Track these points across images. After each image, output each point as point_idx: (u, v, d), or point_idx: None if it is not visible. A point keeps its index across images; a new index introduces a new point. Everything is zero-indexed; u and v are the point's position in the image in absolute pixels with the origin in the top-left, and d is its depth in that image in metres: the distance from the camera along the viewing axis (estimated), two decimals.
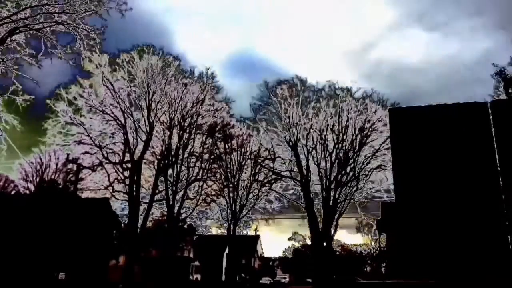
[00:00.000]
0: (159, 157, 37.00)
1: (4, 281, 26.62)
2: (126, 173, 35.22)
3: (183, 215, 39.88)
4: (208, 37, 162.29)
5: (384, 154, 38.49)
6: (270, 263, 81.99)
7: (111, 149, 36.08)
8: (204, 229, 54.26)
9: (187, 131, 37.83)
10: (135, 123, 35.78)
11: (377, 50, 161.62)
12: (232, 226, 42.20)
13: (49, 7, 22.46)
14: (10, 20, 21.56)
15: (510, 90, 23.06)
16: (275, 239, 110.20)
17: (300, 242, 76.56)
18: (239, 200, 42.16)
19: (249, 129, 43.21)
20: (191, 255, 56.33)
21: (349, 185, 39.20)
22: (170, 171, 37.04)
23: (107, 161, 35.13)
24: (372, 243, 71.46)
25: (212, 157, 39.65)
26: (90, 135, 35.01)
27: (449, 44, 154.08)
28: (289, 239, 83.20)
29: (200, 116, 39.09)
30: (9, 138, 23.38)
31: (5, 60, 22.07)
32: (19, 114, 23.16)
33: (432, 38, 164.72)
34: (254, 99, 42.93)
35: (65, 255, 29.25)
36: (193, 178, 38.03)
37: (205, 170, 38.86)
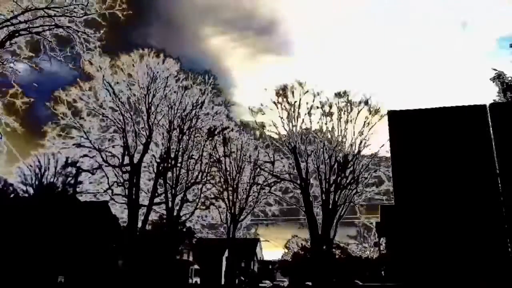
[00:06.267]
0: (159, 160, 37.02)
1: (5, 284, 26.57)
2: (126, 176, 35.22)
3: (182, 218, 39.84)
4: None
5: (384, 156, 38.53)
6: (270, 266, 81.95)
7: (110, 152, 36.10)
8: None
9: (187, 134, 37.85)
10: (135, 126, 35.82)
11: None
12: (231, 229, 42.12)
13: (49, 10, 22.52)
14: (10, 23, 21.62)
15: (509, 94, 23.06)
16: (275, 242, 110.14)
17: (299, 246, 76.53)
18: (238, 203, 42.11)
19: (248, 133, 43.25)
20: (190, 258, 56.25)
21: (348, 188, 39.19)
22: (169, 174, 37.03)
23: (106, 164, 35.13)
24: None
25: (211, 160, 39.66)
26: (90, 138, 35.03)
27: None
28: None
29: (200, 119, 39.13)
30: (8, 141, 23.36)
31: (4, 63, 22.11)
32: (19, 116, 23.15)
33: None
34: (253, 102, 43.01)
35: (64, 259, 29.22)
36: (192, 181, 38.02)
37: (205, 173, 38.86)
